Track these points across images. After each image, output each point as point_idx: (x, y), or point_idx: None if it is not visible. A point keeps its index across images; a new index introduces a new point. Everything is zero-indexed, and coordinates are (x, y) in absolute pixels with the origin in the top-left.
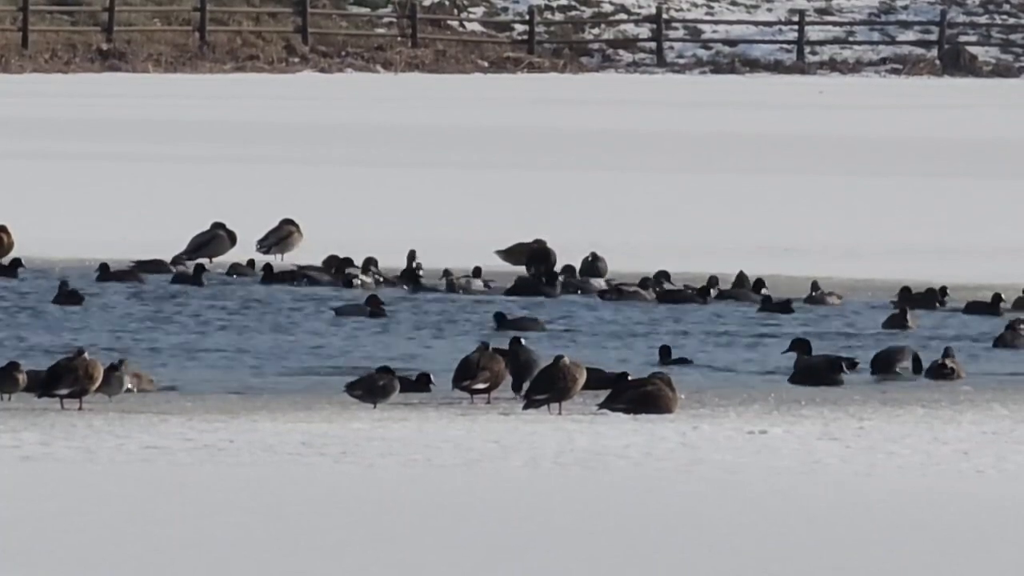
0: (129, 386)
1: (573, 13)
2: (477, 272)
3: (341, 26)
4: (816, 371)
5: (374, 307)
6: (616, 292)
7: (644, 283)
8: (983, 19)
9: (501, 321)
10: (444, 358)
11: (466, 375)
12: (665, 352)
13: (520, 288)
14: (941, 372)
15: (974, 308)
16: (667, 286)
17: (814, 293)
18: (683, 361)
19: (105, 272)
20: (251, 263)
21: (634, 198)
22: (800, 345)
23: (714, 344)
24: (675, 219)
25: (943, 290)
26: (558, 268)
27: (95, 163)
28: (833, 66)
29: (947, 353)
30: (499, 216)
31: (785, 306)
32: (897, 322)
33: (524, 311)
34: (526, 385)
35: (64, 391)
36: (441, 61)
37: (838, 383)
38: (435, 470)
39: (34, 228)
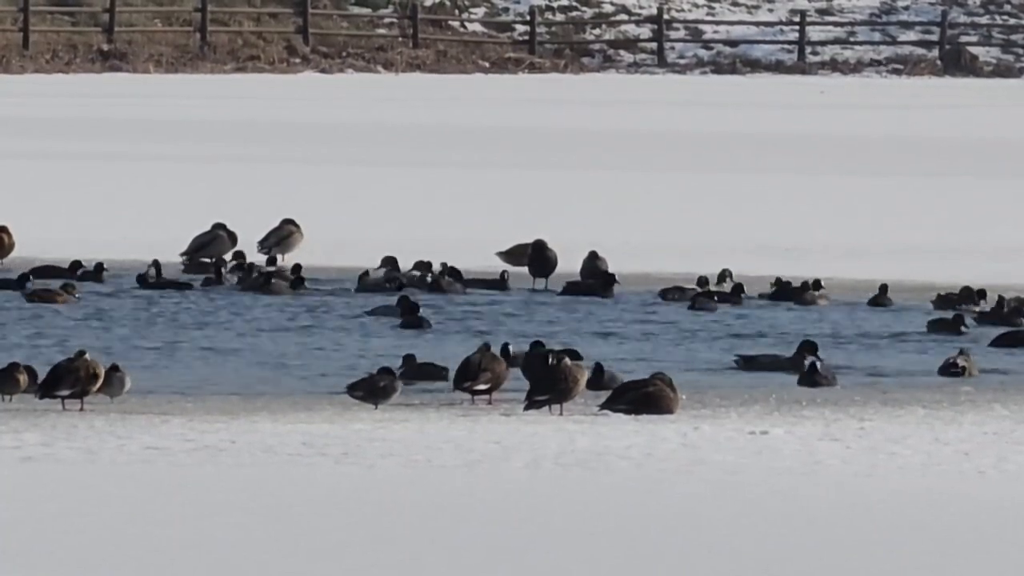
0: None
1: (574, 14)
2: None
3: (342, 27)
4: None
5: (405, 308)
6: (678, 291)
7: (701, 282)
8: (984, 19)
9: (406, 312)
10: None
11: (467, 376)
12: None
13: (574, 288)
14: (952, 370)
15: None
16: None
17: (807, 294)
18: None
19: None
20: (272, 261)
21: (634, 198)
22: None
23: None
24: (675, 219)
25: (981, 292)
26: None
27: (95, 163)
28: (834, 66)
29: (961, 352)
30: (499, 216)
31: (711, 305)
32: (950, 327)
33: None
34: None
35: (65, 392)
36: (442, 61)
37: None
38: (436, 471)
39: (34, 228)
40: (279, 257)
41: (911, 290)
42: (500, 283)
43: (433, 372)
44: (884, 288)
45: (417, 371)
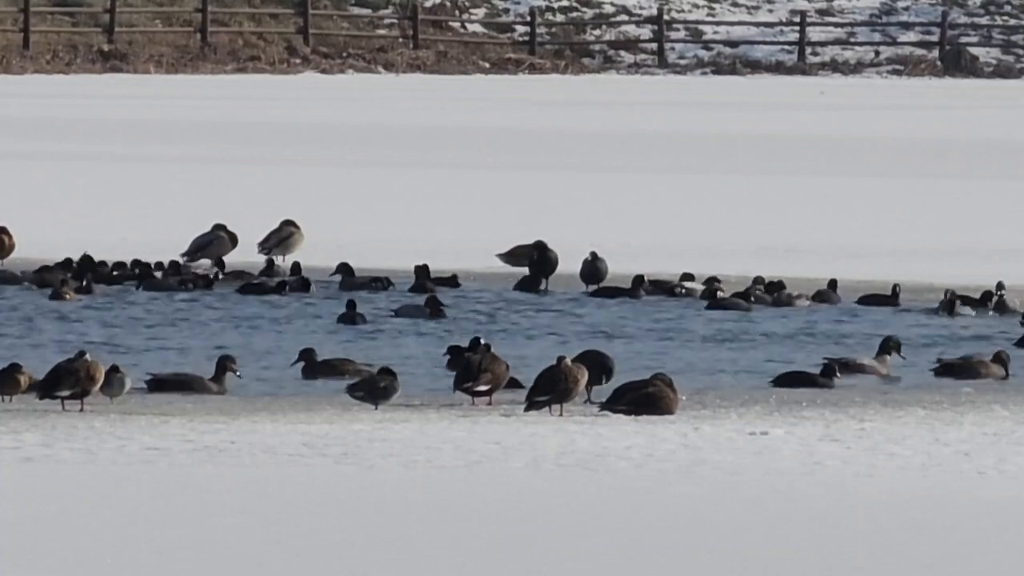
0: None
1: (574, 14)
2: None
3: (342, 27)
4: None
5: (433, 308)
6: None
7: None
8: (984, 20)
9: (434, 312)
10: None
11: (467, 377)
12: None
13: (606, 291)
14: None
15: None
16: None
17: (792, 294)
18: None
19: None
20: (271, 263)
21: (634, 198)
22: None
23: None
24: (675, 219)
25: (995, 288)
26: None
27: (95, 163)
28: (834, 67)
29: (998, 354)
30: (499, 216)
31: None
32: None
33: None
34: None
35: (65, 392)
36: (442, 62)
37: (829, 386)
38: (436, 471)
39: (34, 228)
40: (280, 258)
41: (911, 290)
42: (533, 286)
43: (339, 366)
44: (895, 288)
45: (321, 367)
